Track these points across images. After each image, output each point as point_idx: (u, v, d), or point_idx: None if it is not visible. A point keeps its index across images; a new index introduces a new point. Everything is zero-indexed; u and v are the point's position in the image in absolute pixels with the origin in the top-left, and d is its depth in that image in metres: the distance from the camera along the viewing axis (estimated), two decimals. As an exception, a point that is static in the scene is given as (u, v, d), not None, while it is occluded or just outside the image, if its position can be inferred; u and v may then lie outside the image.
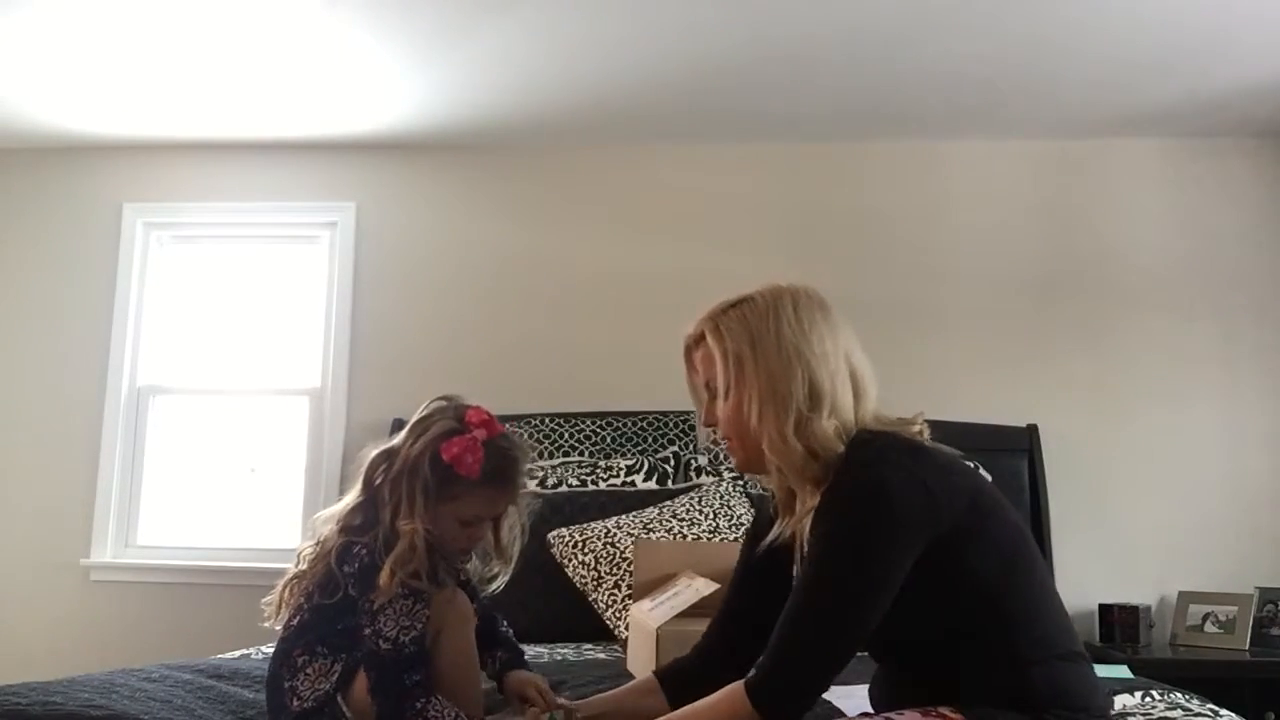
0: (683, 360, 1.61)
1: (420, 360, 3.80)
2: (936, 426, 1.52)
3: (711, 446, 3.41)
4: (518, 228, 3.91)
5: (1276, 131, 3.71)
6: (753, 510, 3.06)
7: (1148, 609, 3.40)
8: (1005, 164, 3.83)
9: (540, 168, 3.96)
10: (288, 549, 4.04)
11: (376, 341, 3.86)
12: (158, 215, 4.01)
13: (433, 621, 1.58)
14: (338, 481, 3.75)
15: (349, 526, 1.65)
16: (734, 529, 2.94)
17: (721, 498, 3.09)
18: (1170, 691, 2.00)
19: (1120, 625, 3.30)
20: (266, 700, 1.65)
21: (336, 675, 1.58)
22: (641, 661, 2.06)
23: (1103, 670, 2.04)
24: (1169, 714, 1.80)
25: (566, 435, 3.53)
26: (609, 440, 3.53)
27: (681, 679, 1.62)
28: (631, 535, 2.90)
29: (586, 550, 2.91)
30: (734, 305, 1.52)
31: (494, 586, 1.80)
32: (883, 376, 1.54)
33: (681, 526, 2.94)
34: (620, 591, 2.78)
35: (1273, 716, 2.93)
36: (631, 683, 1.67)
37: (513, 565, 1.79)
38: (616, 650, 2.61)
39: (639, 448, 3.51)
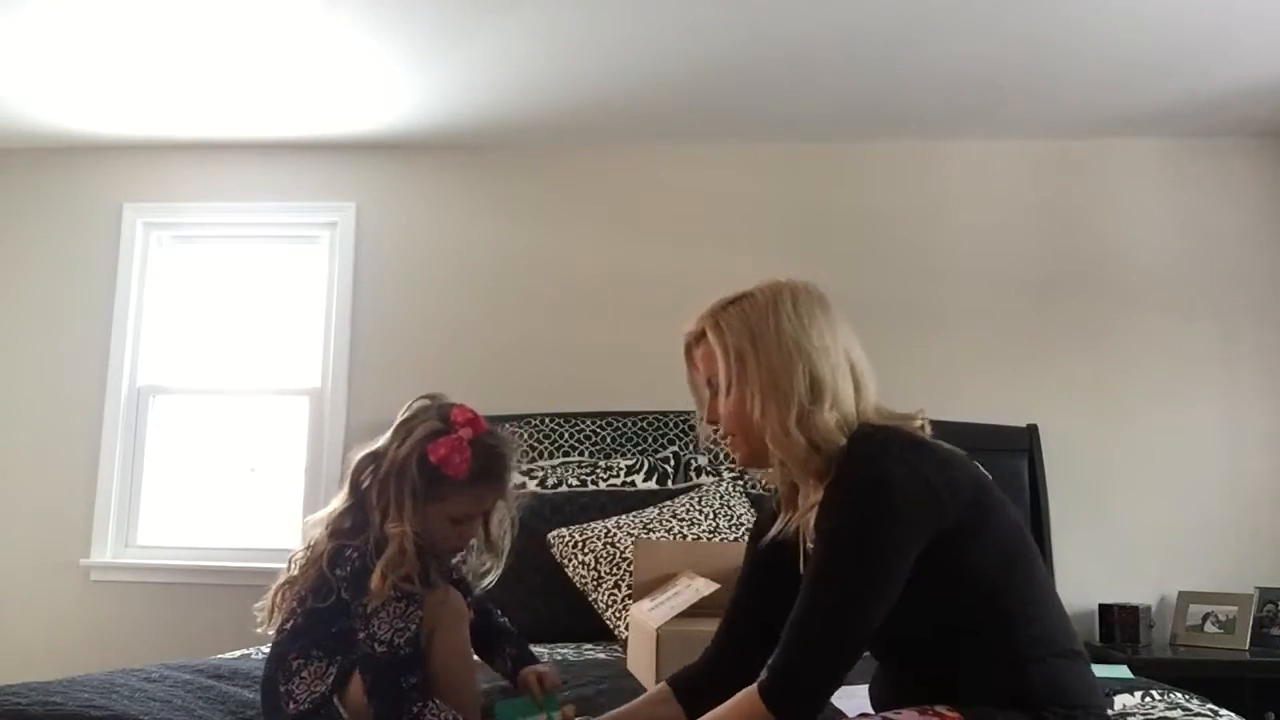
0: (683, 359, 1.61)
1: (420, 360, 3.80)
2: (936, 426, 1.53)
3: (712, 446, 3.41)
4: (518, 228, 3.91)
5: (1276, 131, 3.71)
6: (753, 510, 3.06)
7: (1148, 609, 3.40)
8: (1005, 164, 3.83)
9: (540, 168, 3.96)
10: (288, 549, 4.05)
11: (376, 341, 3.86)
12: (158, 215, 4.01)
13: (426, 621, 1.58)
14: (337, 482, 3.75)
15: (339, 530, 1.65)
16: (734, 529, 2.94)
17: (721, 498, 3.09)
18: (1170, 691, 2.00)
19: (1120, 625, 3.30)
20: (262, 704, 1.64)
21: (332, 677, 1.58)
22: (641, 661, 2.06)
23: (1102, 670, 2.04)
24: (1169, 714, 1.80)
25: (566, 435, 3.53)
26: (609, 440, 3.53)
27: (694, 684, 1.62)
28: (631, 535, 2.90)
29: (586, 550, 2.91)
30: (733, 302, 1.53)
31: (487, 581, 1.80)
32: (883, 376, 1.54)
33: (681, 526, 2.94)
34: (620, 591, 2.78)
35: (1273, 716, 2.93)
36: (645, 695, 1.66)
37: (504, 559, 1.79)
38: (616, 650, 2.61)
39: (639, 448, 3.51)
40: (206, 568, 3.75)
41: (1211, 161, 3.76)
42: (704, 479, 3.28)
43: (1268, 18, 2.97)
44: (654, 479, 3.29)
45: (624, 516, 3.03)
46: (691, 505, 3.05)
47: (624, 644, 2.49)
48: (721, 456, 3.43)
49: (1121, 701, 1.90)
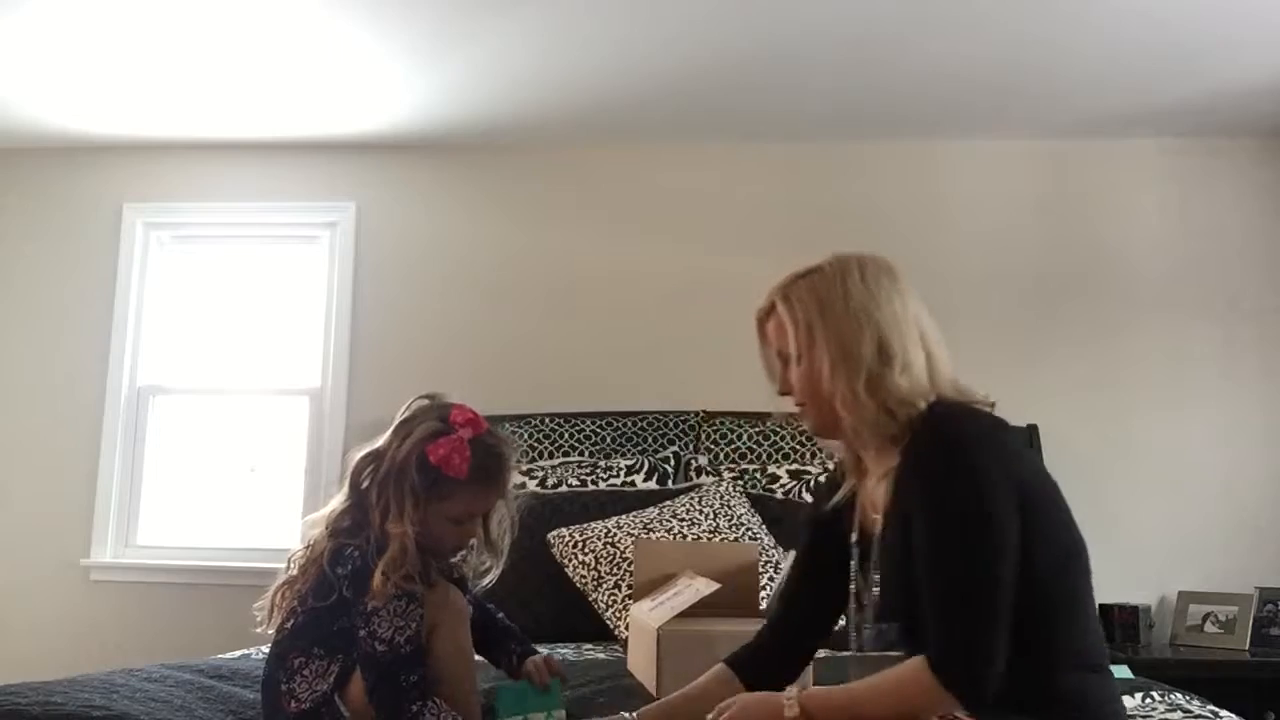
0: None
1: (420, 360, 3.80)
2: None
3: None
4: (518, 228, 3.91)
5: (1276, 131, 3.71)
6: (754, 510, 3.06)
7: (1148, 609, 3.40)
8: (1005, 164, 3.83)
9: (540, 168, 3.96)
10: (287, 549, 4.05)
11: (376, 341, 3.86)
12: (158, 215, 4.01)
13: (428, 619, 1.58)
14: (337, 481, 3.75)
15: (338, 529, 1.65)
16: (734, 529, 2.94)
17: (721, 498, 3.09)
18: (1170, 692, 2.00)
19: (1120, 625, 3.30)
20: (262, 704, 1.64)
21: (334, 676, 1.58)
22: (642, 661, 2.06)
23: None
24: (1169, 715, 1.80)
25: (566, 435, 3.53)
26: (609, 440, 3.53)
27: (754, 662, 1.63)
28: (631, 535, 2.90)
29: (586, 550, 2.91)
30: (802, 276, 1.55)
31: (487, 580, 1.80)
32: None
33: (681, 526, 2.94)
34: (620, 591, 2.78)
35: (1273, 716, 2.93)
36: (703, 676, 1.65)
37: (504, 558, 1.79)
38: (616, 650, 2.61)
39: (639, 448, 3.51)
40: (206, 568, 3.75)
41: (1211, 161, 3.76)
42: (704, 479, 3.28)
43: (1268, 18, 2.97)
44: (654, 479, 3.29)
45: (624, 516, 3.03)
46: (691, 505, 3.05)
47: (624, 644, 2.49)
48: (721, 456, 3.43)
49: (1121, 702, 1.89)
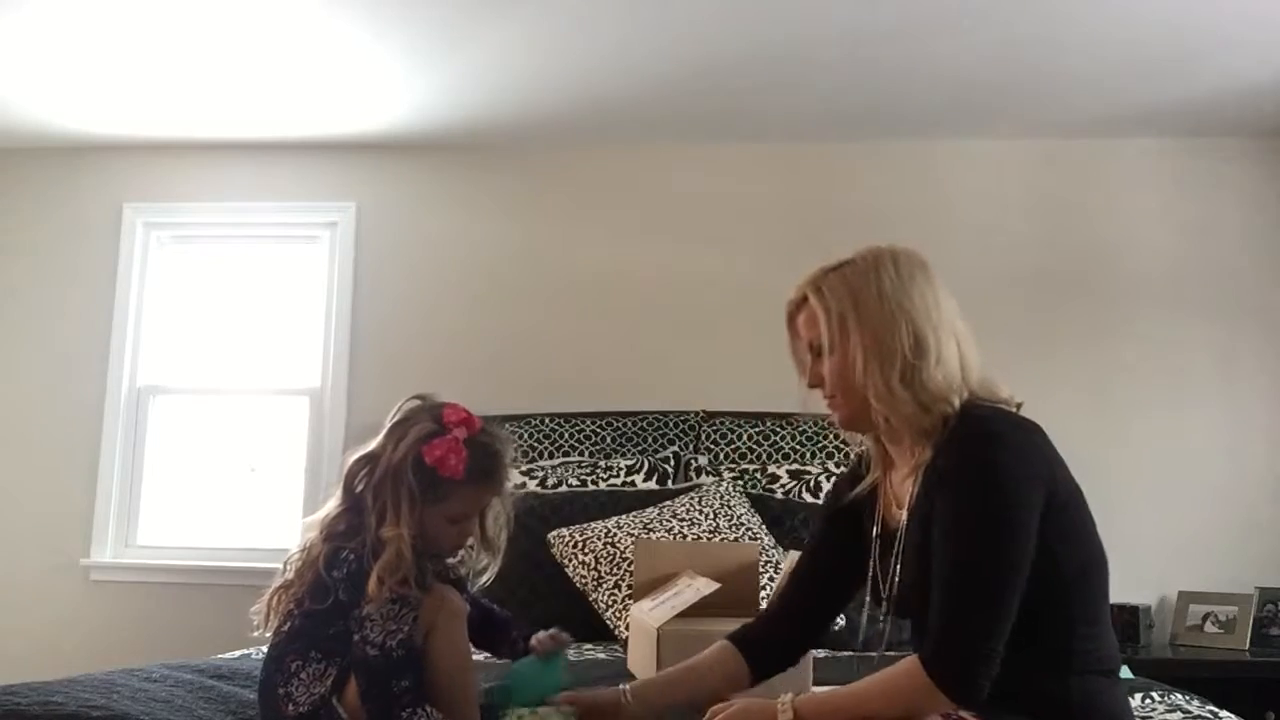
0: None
1: (420, 360, 3.80)
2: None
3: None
4: (518, 228, 3.91)
5: (1276, 131, 3.71)
6: (754, 510, 3.06)
7: (1148, 609, 3.40)
8: (1005, 164, 3.83)
9: (540, 168, 3.96)
10: (288, 549, 4.04)
11: (376, 341, 3.86)
12: (158, 215, 4.01)
13: (424, 620, 1.57)
14: (336, 482, 3.75)
15: (334, 533, 1.64)
16: (734, 529, 2.94)
17: (721, 498, 3.09)
18: (1170, 692, 2.00)
19: (1120, 625, 3.30)
20: (259, 707, 1.64)
21: (331, 679, 1.57)
22: (642, 662, 2.06)
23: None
24: (1169, 715, 1.80)
25: (566, 435, 3.53)
26: (609, 440, 3.53)
27: (757, 641, 1.63)
28: (631, 535, 2.90)
29: (586, 550, 2.91)
30: (835, 268, 1.53)
31: (485, 578, 1.80)
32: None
33: (681, 526, 2.94)
34: (620, 591, 2.78)
35: (1273, 716, 2.93)
36: (705, 651, 1.65)
37: (501, 555, 1.78)
38: (616, 650, 2.60)
39: (639, 448, 3.51)
40: (206, 568, 3.75)
41: (1211, 161, 3.76)
42: (704, 479, 3.28)
43: (1267, 18, 2.97)
44: (654, 479, 3.29)
45: (624, 516, 3.02)
46: (691, 505, 3.05)
47: (624, 644, 2.49)
48: (726, 455, 3.43)
49: (1121, 702, 1.89)
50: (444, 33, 3.14)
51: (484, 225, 3.93)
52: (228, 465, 3.92)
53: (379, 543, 1.58)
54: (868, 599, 1.59)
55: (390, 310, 3.89)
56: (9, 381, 3.92)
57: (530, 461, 3.45)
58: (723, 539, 2.88)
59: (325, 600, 1.59)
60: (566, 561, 2.93)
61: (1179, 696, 1.96)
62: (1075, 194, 3.79)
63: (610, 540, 2.90)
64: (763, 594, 2.38)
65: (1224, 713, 1.83)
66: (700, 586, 2.00)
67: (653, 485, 3.27)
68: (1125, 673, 2.31)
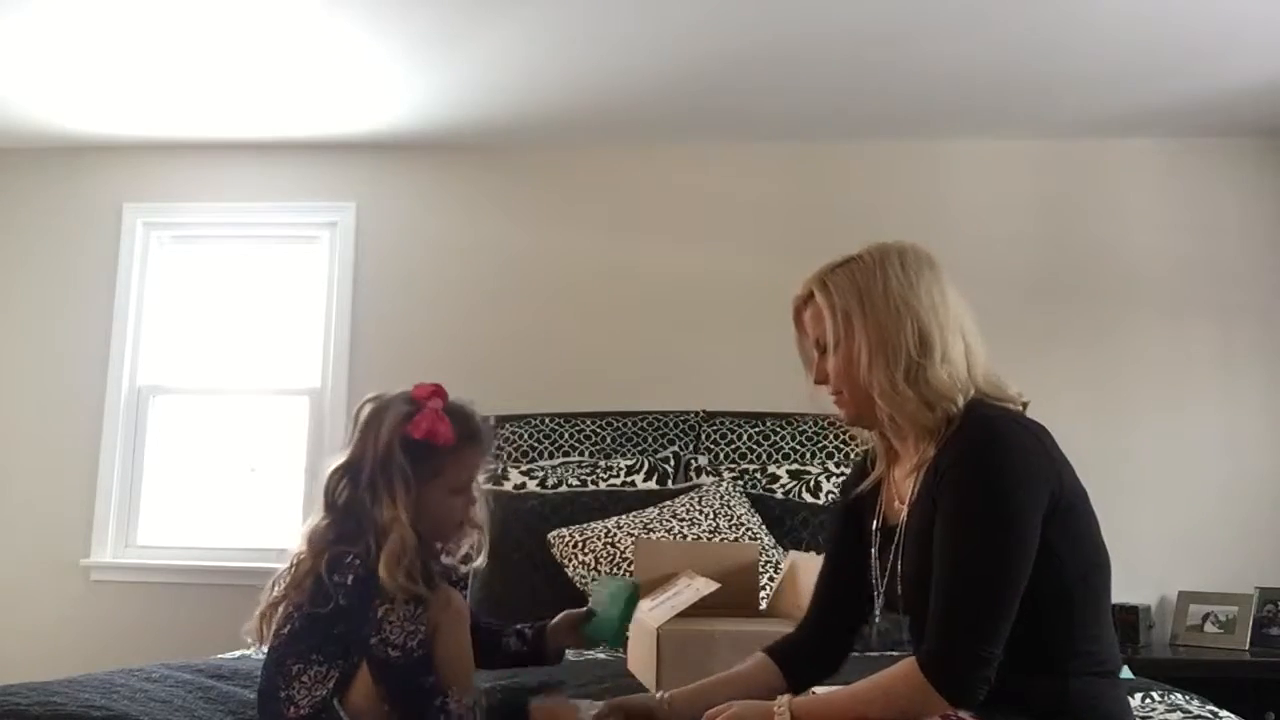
0: (793, 324, 1.61)
1: (420, 360, 3.80)
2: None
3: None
4: (518, 228, 3.91)
5: (1276, 131, 3.71)
6: (754, 510, 3.06)
7: (1148, 609, 3.40)
8: (1005, 164, 3.83)
9: (540, 168, 3.96)
10: (287, 549, 4.03)
11: (376, 341, 3.86)
12: (158, 215, 4.01)
13: (429, 621, 1.57)
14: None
15: (324, 543, 1.63)
16: (734, 529, 2.94)
17: (721, 498, 3.09)
18: (1170, 692, 2.00)
19: (1120, 625, 3.30)
20: (259, 711, 1.63)
21: (333, 681, 1.57)
22: (642, 662, 2.06)
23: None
24: (1169, 715, 1.80)
25: (566, 435, 3.53)
26: (609, 440, 3.53)
27: (793, 651, 1.63)
28: (631, 535, 2.90)
29: (586, 550, 2.91)
30: (841, 265, 1.53)
31: (479, 561, 1.79)
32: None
33: (681, 526, 2.94)
34: (620, 591, 2.77)
35: (1273, 716, 2.93)
36: (744, 663, 1.65)
37: (488, 532, 1.77)
38: (617, 650, 2.60)
39: (639, 448, 3.50)
40: (206, 568, 3.75)
41: (1211, 161, 3.76)
42: (704, 479, 3.28)
43: (1268, 18, 2.97)
44: (654, 479, 3.29)
45: (624, 516, 3.03)
46: (691, 505, 3.05)
47: (624, 644, 2.48)
48: (721, 457, 3.43)
49: (1121, 702, 1.89)
50: (444, 33, 3.14)
51: (484, 225, 3.93)
52: (228, 465, 3.92)
53: (382, 534, 1.57)
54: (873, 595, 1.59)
55: (390, 310, 3.89)
56: (9, 381, 3.92)
57: (530, 461, 3.45)
58: (723, 539, 2.88)
59: (326, 604, 1.58)
60: (566, 561, 2.93)
61: (1179, 696, 1.96)
62: (1075, 194, 3.80)
63: (610, 540, 2.90)
64: (763, 594, 2.38)
65: (1224, 713, 1.82)
66: (700, 586, 2.00)
67: (653, 485, 3.27)
68: (1125, 673, 2.31)
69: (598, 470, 3.34)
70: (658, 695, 1.60)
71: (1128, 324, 3.69)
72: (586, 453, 3.50)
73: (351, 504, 1.64)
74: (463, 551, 1.76)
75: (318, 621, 1.60)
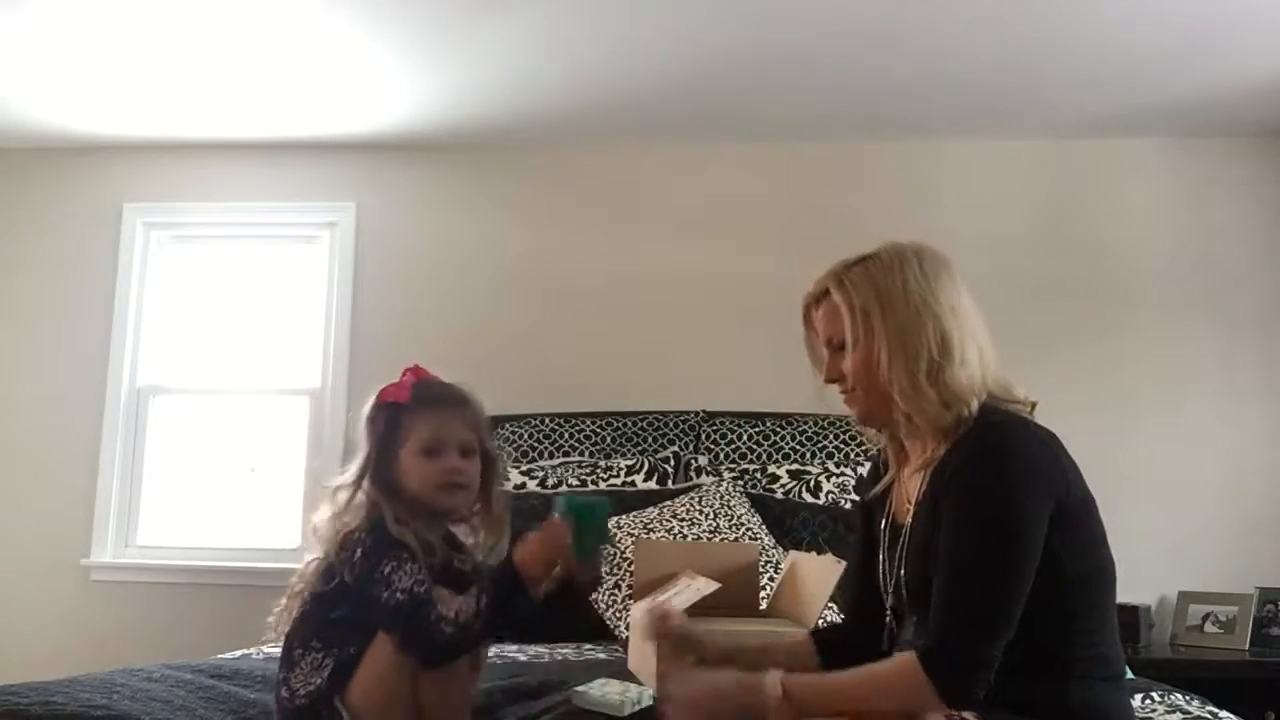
0: (803, 321, 1.61)
1: (420, 360, 3.71)
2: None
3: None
4: (518, 228, 3.91)
5: (1276, 131, 3.71)
6: (754, 510, 3.06)
7: (1148, 609, 3.40)
8: (1005, 164, 3.83)
9: (540, 168, 3.96)
10: (288, 549, 4.05)
11: (376, 341, 3.86)
12: (158, 215, 4.01)
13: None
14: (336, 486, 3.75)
15: (328, 530, 1.64)
16: (734, 529, 2.94)
17: (721, 498, 3.09)
18: (1170, 692, 2.00)
19: (1120, 625, 3.28)
20: (275, 699, 1.64)
21: (329, 670, 1.57)
22: (642, 662, 2.06)
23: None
24: (1169, 715, 1.80)
25: (566, 435, 3.53)
26: (609, 440, 3.53)
27: (832, 638, 1.65)
28: (631, 535, 2.90)
29: (586, 550, 2.90)
30: (857, 262, 1.53)
31: (497, 555, 1.79)
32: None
33: (681, 526, 2.94)
34: (620, 591, 2.78)
35: (1273, 716, 2.93)
36: (787, 640, 1.67)
37: (507, 532, 1.77)
38: (616, 650, 2.60)
39: (639, 448, 3.50)
40: (206, 568, 3.75)
41: (1211, 161, 3.76)
42: (704, 479, 3.28)
43: (1268, 18, 2.97)
44: (654, 479, 3.29)
45: (624, 516, 3.02)
46: (691, 505, 3.05)
47: (624, 644, 2.48)
48: (722, 456, 3.43)
49: (1121, 702, 1.89)
50: (443, 32, 3.14)
51: (484, 225, 3.93)
52: (228, 465, 3.92)
53: (375, 505, 1.63)
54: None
55: (390, 310, 3.89)
56: (9, 382, 3.92)
57: (530, 461, 3.44)
58: (723, 539, 2.88)
59: (329, 582, 1.60)
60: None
61: (1179, 696, 1.96)
62: (1075, 194, 3.80)
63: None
64: (763, 594, 2.38)
65: (1224, 713, 1.83)
66: (700, 586, 1.99)
67: (653, 485, 3.27)
68: (1125, 673, 2.31)
69: (598, 470, 3.34)
70: (701, 628, 1.61)
71: (1128, 324, 3.69)
72: (586, 453, 3.50)
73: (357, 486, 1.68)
74: (481, 540, 1.78)
75: (322, 602, 1.61)
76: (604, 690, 1.82)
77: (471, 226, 3.93)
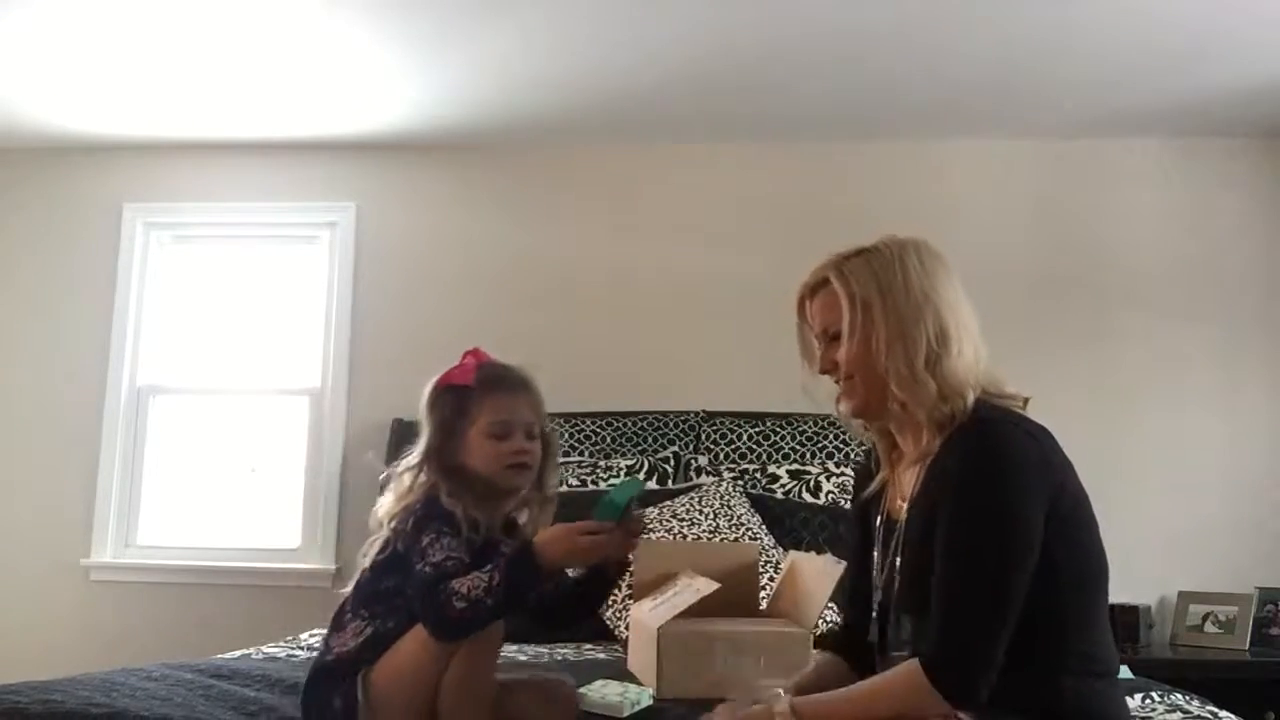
0: (796, 312, 1.61)
1: (420, 360, 3.71)
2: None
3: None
4: (518, 228, 3.91)
5: (1276, 131, 3.71)
6: (754, 510, 3.06)
7: (1148, 609, 3.40)
8: (1005, 164, 3.83)
9: (541, 168, 3.96)
10: (288, 549, 4.05)
11: (376, 341, 3.86)
12: (158, 215, 4.01)
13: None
14: (338, 481, 3.76)
15: (388, 513, 1.68)
16: (734, 529, 2.94)
17: (721, 498, 3.09)
18: (1170, 692, 2.00)
19: (1120, 625, 3.30)
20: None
21: (364, 638, 1.60)
22: (642, 662, 2.06)
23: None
24: (1169, 715, 1.80)
25: (566, 435, 3.53)
26: (609, 440, 3.53)
27: (845, 640, 1.65)
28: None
29: (586, 550, 2.90)
30: (855, 254, 1.54)
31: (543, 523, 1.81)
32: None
33: (681, 526, 2.94)
34: (620, 591, 2.77)
35: (1273, 716, 2.93)
36: (813, 664, 1.66)
37: (555, 504, 1.81)
38: (617, 650, 2.60)
39: (639, 448, 3.51)
40: (206, 568, 3.74)
41: (1211, 161, 3.76)
42: (704, 479, 3.28)
43: (1266, 18, 2.97)
44: (654, 479, 3.29)
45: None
46: (691, 505, 3.05)
47: (624, 644, 2.49)
48: (723, 456, 3.43)
49: (1121, 702, 1.89)
50: (443, 33, 3.14)
51: (484, 225, 3.93)
52: (228, 465, 3.92)
53: (432, 484, 1.65)
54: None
55: (390, 310, 3.89)
56: (9, 382, 3.92)
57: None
58: (723, 539, 2.88)
59: (385, 551, 1.64)
60: (566, 561, 2.92)
61: (1179, 696, 1.96)
62: (1075, 194, 3.80)
63: (610, 540, 2.90)
64: (763, 594, 2.38)
65: (1224, 713, 1.83)
66: (700, 586, 2.00)
67: (653, 485, 3.27)
68: (1125, 672, 2.31)
69: (598, 470, 3.34)
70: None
71: (1128, 324, 3.69)
72: (586, 453, 3.50)
73: (419, 470, 1.70)
74: (525, 518, 1.80)
75: (376, 571, 1.65)
76: (604, 690, 1.82)
77: (471, 226, 3.93)
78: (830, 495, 3.16)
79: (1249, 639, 3.21)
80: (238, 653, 2.46)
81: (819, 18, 3.03)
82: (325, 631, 1.70)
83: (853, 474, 3.18)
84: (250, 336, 3.98)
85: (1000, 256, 3.75)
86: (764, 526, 2.99)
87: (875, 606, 1.55)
